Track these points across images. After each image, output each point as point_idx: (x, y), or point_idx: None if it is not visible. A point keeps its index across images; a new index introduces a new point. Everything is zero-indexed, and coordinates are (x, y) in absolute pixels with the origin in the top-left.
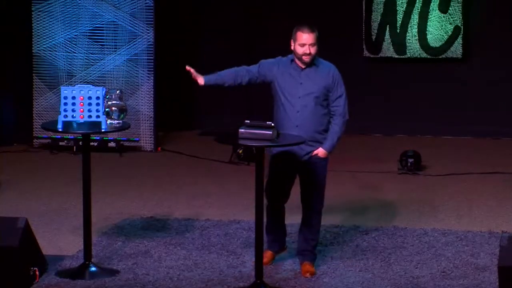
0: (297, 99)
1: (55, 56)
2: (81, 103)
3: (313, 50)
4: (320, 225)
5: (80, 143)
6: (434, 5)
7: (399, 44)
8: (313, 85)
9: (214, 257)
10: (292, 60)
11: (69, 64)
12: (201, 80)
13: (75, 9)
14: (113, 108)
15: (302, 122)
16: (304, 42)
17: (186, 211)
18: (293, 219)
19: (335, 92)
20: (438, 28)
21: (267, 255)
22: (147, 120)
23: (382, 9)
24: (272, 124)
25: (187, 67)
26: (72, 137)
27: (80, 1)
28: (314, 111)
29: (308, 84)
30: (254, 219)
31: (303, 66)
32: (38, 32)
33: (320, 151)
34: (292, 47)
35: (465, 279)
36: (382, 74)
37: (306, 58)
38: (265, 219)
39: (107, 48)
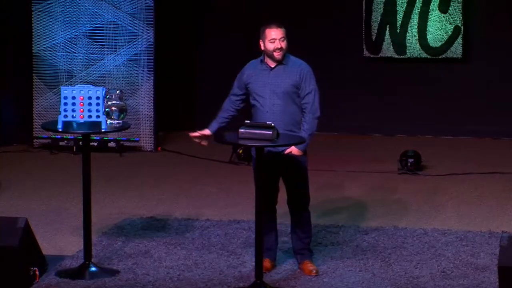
0: (266, 99)
1: (55, 56)
2: (81, 103)
3: (283, 44)
4: (310, 221)
5: (80, 143)
6: (434, 5)
7: (399, 44)
8: (280, 84)
9: (214, 257)
10: (262, 60)
11: (69, 64)
12: (206, 132)
13: (75, 9)
14: (113, 108)
15: (273, 122)
16: (274, 37)
17: (186, 211)
18: (289, 219)
19: (304, 88)
20: (438, 28)
21: (266, 263)
22: (147, 120)
23: (382, 9)
24: (272, 124)
25: (191, 134)
26: (72, 137)
27: (80, 1)
28: (284, 110)
29: (275, 83)
30: (254, 219)
31: (273, 65)
32: (38, 32)
33: (293, 150)
34: (262, 47)
35: (465, 279)
36: (382, 74)
37: (277, 54)
38: None
39: (107, 48)
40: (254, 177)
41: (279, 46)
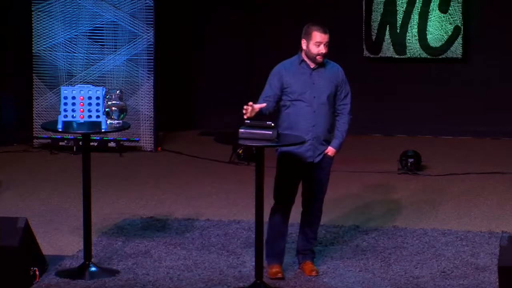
0: (313, 99)
1: (55, 56)
2: (81, 103)
3: (326, 50)
4: (320, 223)
5: (80, 143)
6: (434, 5)
7: (399, 44)
8: (326, 85)
9: (214, 257)
10: (302, 61)
11: (69, 64)
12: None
13: (75, 9)
14: (113, 108)
15: (319, 122)
16: (320, 40)
17: (186, 211)
18: (292, 219)
19: (343, 90)
20: (438, 28)
21: (277, 269)
22: (147, 120)
23: (382, 9)
24: (272, 124)
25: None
26: (72, 137)
27: (80, 1)
28: (328, 110)
29: (321, 84)
30: (254, 219)
31: (313, 66)
32: (38, 32)
33: (330, 150)
34: (305, 46)
35: (465, 279)
36: (382, 74)
37: (320, 58)
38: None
39: (107, 48)
40: (256, 177)
41: (323, 51)
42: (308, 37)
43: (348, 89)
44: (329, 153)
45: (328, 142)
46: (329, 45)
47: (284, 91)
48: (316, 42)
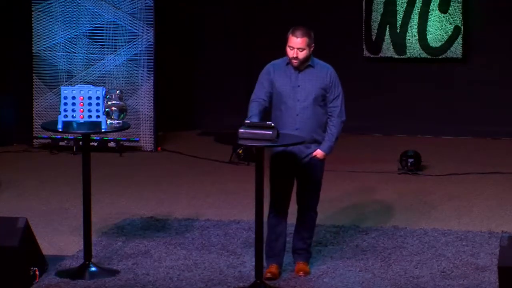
0: (296, 102)
1: (55, 56)
2: (81, 103)
3: (301, 55)
4: (315, 223)
5: (80, 143)
6: (434, 5)
7: (399, 44)
8: (311, 87)
9: (214, 257)
10: (288, 63)
11: (69, 64)
12: None
13: (75, 9)
14: (113, 108)
15: (302, 125)
16: (292, 45)
17: (186, 211)
18: (289, 218)
19: (332, 93)
20: (438, 28)
21: (274, 269)
22: (147, 120)
23: (382, 9)
24: (272, 124)
25: None
26: (72, 137)
27: (80, 1)
28: (314, 113)
29: (306, 87)
30: (254, 219)
31: (301, 68)
32: (38, 32)
33: (319, 153)
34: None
35: (465, 279)
36: (382, 74)
37: (294, 62)
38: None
39: (107, 48)
40: (256, 177)
41: (295, 55)
42: (287, 40)
43: (339, 91)
44: (317, 156)
45: (317, 144)
46: (329, 45)
47: (273, 89)
48: (289, 46)
